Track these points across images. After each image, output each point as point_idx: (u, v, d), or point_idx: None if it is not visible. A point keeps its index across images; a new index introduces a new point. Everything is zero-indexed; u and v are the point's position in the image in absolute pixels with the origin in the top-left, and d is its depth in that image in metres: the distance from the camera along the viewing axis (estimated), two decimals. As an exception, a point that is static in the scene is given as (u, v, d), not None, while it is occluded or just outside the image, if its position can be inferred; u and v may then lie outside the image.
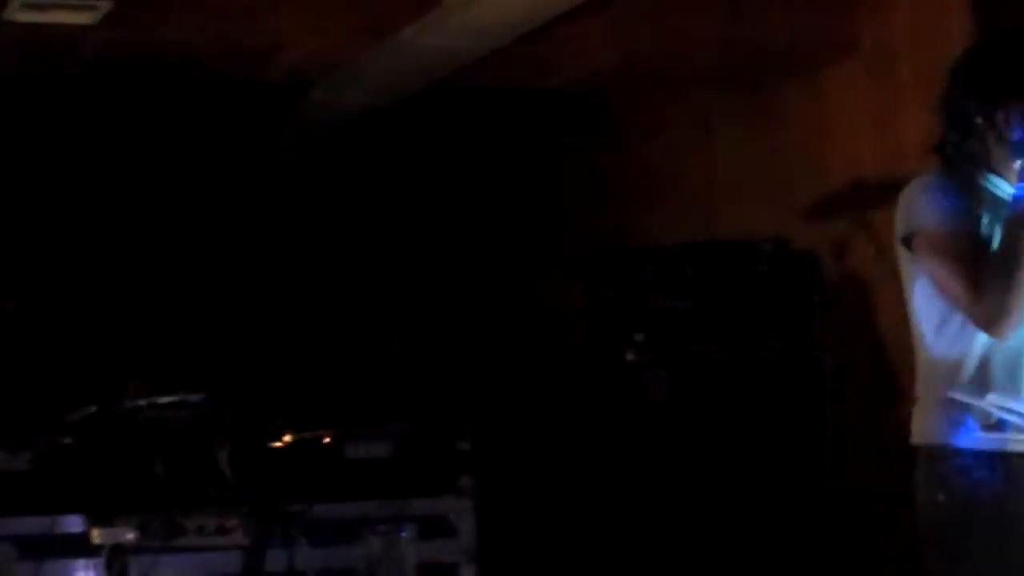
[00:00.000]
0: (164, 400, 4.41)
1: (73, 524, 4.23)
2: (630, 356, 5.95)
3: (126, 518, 4.20)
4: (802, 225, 6.78)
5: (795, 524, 6.12)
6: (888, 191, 6.54)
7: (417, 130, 8.00)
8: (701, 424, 5.96)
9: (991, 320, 3.75)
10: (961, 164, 3.96)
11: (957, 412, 3.81)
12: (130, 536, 4.18)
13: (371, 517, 4.49)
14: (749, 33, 6.86)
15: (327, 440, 4.52)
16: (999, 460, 3.77)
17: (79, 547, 4.21)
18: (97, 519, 4.19)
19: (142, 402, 4.39)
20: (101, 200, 7.29)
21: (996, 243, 3.82)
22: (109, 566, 4.17)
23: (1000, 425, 3.78)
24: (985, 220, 3.85)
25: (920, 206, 3.96)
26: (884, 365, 6.61)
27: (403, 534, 4.45)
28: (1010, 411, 3.77)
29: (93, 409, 4.37)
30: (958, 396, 3.80)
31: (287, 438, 4.50)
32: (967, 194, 3.91)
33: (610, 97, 8.05)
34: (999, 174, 3.89)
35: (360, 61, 6.59)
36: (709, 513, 5.99)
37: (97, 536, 4.18)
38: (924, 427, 3.92)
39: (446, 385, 7.65)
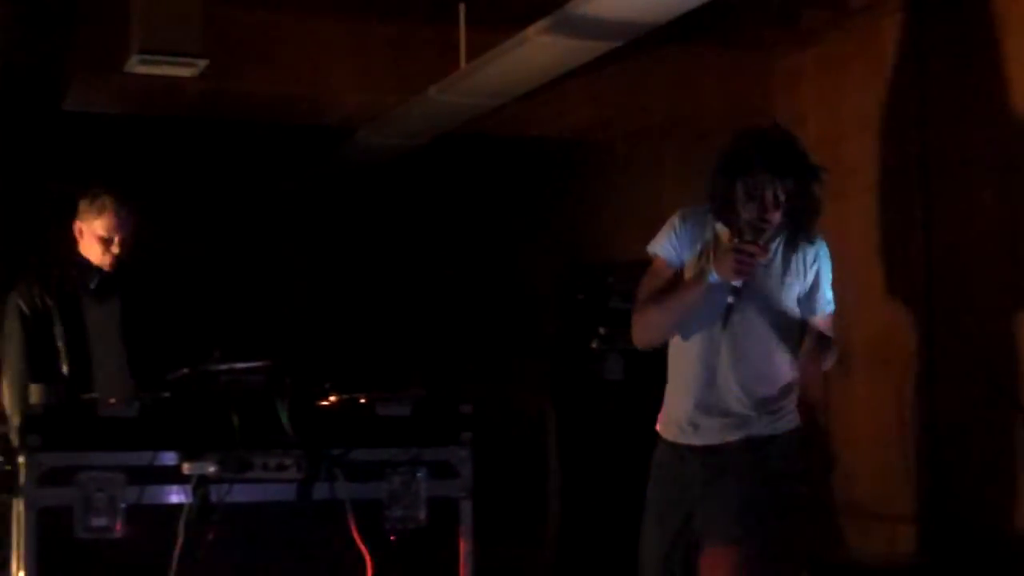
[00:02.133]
0: (240, 366, 4.41)
1: (169, 458, 4.21)
2: (594, 344, 5.99)
3: (209, 455, 4.20)
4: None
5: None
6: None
7: (437, 166, 8.05)
8: (646, 396, 5.95)
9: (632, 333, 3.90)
10: (708, 212, 3.86)
11: None
12: (212, 469, 4.17)
13: (394, 460, 4.46)
14: (692, 98, 6.94)
15: (363, 401, 4.53)
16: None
17: (173, 476, 4.20)
18: (188, 455, 4.19)
19: (223, 367, 4.40)
20: (199, 213, 7.34)
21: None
22: (195, 491, 4.18)
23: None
24: (704, 261, 3.80)
25: (660, 231, 3.97)
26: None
27: (418, 474, 4.47)
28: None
29: (186, 371, 4.40)
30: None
31: (333, 398, 4.51)
32: (702, 235, 3.85)
33: (586, 143, 8.12)
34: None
35: (394, 111, 6.64)
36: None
37: (187, 468, 4.17)
38: None
39: (457, 363, 7.69)
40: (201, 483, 4.16)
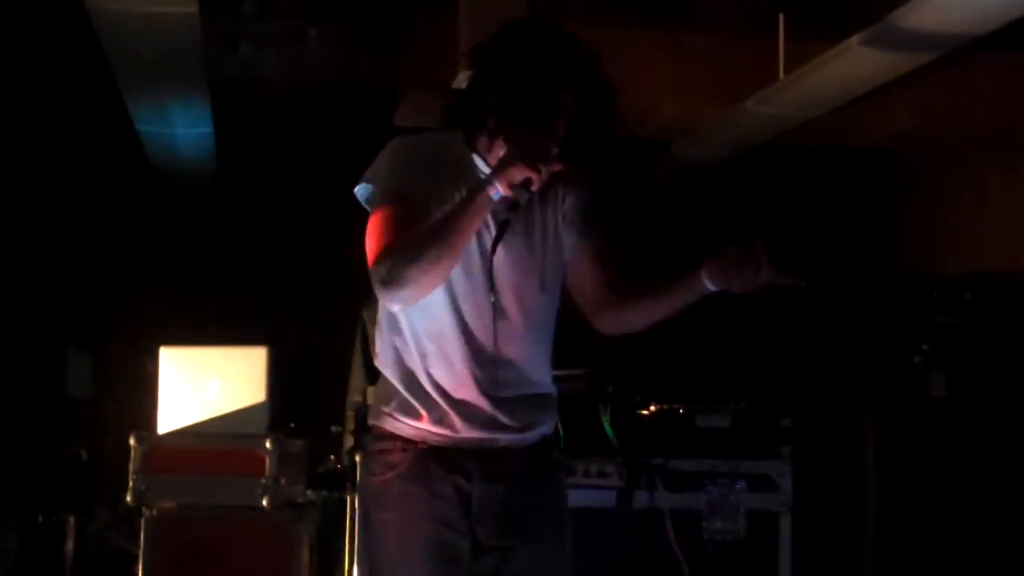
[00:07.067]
0: (561, 373, 4.49)
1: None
2: (917, 359, 5.85)
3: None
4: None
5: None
6: None
7: (750, 178, 7.98)
8: (972, 416, 5.80)
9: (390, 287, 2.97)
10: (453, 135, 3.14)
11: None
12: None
13: (713, 472, 4.50)
14: (1018, 109, 6.69)
15: (682, 411, 4.56)
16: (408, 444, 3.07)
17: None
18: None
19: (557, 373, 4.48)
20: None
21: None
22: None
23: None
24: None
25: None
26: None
27: (737, 487, 4.48)
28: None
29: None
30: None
31: (653, 408, 4.55)
32: (441, 163, 3.13)
33: (906, 153, 7.92)
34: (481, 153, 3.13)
35: (712, 123, 6.63)
36: (974, 483, 5.85)
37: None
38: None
39: (776, 377, 7.59)
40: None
